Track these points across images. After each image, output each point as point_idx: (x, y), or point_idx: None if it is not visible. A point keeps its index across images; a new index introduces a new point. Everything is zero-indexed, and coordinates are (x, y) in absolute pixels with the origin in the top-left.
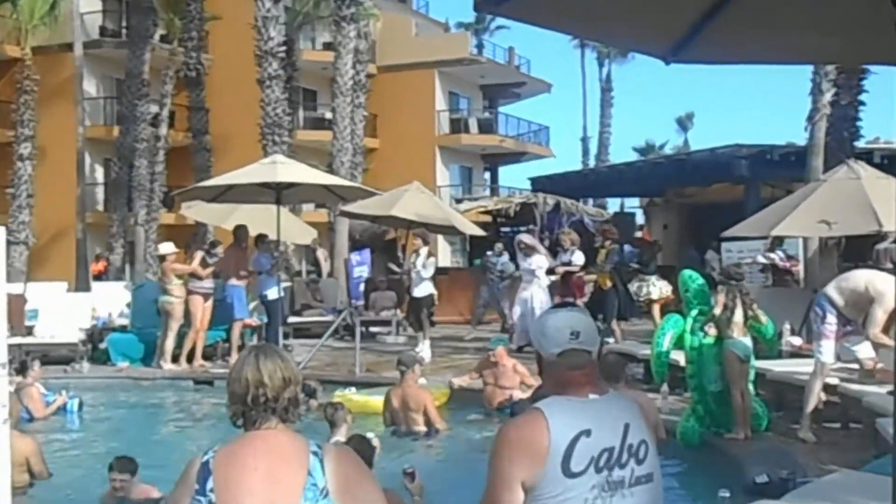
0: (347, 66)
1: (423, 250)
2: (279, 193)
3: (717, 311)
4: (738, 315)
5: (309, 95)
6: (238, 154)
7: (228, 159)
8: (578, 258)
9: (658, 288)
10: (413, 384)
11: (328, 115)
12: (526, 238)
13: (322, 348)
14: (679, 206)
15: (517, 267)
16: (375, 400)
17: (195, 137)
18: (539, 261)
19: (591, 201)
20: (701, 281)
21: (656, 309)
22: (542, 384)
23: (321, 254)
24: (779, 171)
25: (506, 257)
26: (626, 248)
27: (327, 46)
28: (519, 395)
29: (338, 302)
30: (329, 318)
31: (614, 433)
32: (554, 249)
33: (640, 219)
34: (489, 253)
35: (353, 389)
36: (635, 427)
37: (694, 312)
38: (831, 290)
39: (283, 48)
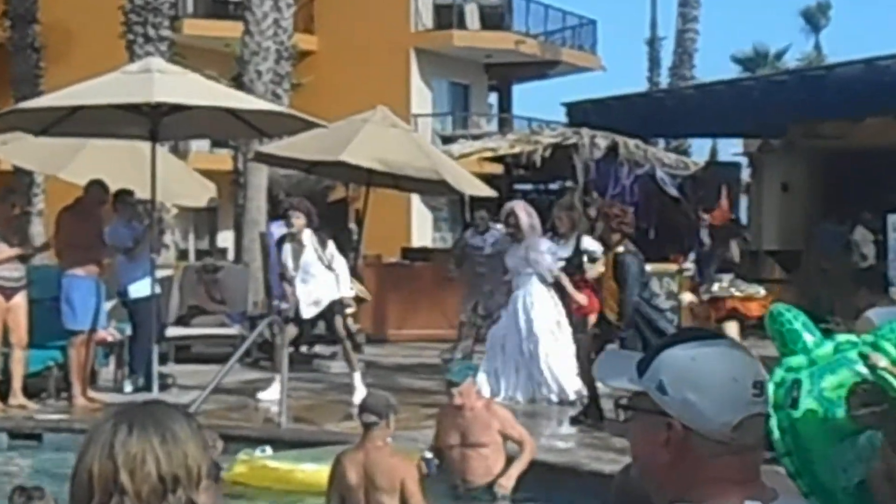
0: None
1: (307, 234)
2: (156, 123)
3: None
4: None
5: None
6: (85, 57)
7: (69, 65)
8: (591, 245)
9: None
10: (384, 446)
11: None
12: (520, 209)
13: (224, 381)
14: (810, 152)
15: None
16: (310, 469)
17: (14, 29)
18: (543, 249)
19: (661, 143)
20: (800, 320)
21: (733, 328)
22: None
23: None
24: None
25: (497, 233)
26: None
27: None
28: (496, 462)
29: (249, 304)
30: (235, 329)
31: None
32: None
33: (745, 173)
34: (468, 233)
35: (268, 450)
36: None
37: (779, 373)
38: None
39: None
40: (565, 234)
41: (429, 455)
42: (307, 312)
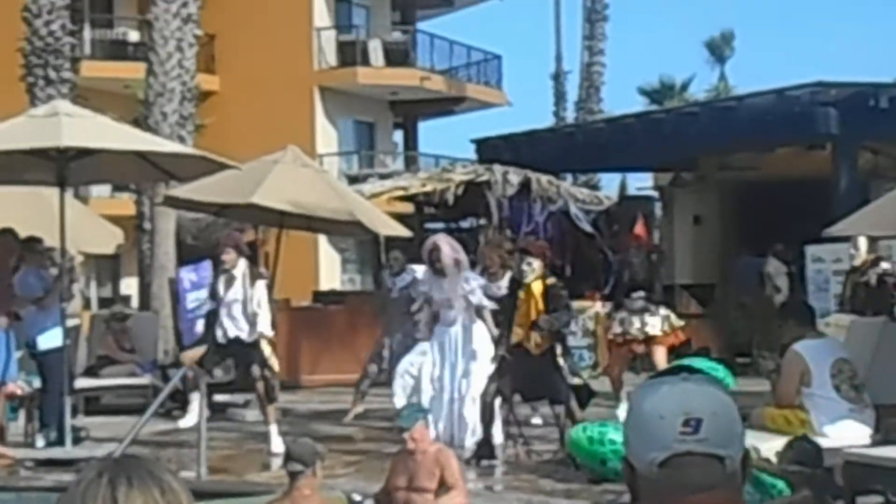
0: None
1: (241, 265)
2: (63, 168)
3: None
4: None
5: (101, 3)
6: None
7: None
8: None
9: (660, 318)
10: (311, 495)
11: (133, 37)
12: (443, 243)
13: (140, 432)
14: (722, 184)
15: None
16: None
17: None
18: (476, 285)
19: (570, 178)
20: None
21: (660, 353)
22: None
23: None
24: (888, 125)
25: (409, 276)
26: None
27: None
28: None
29: (159, 352)
30: (146, 379)
31: None
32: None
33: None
34: (385, 272)
35: None
36: None
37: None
38: None
39: None
40: (496, 272)
41: (357, 498)
42: (235, 333)
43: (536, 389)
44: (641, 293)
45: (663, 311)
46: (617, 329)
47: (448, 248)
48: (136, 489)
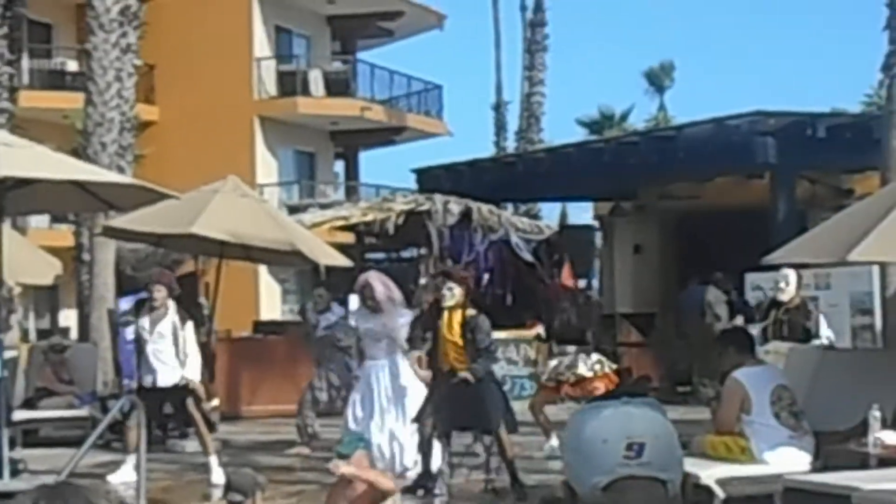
0: None
1: (171, 305)
2: (0, 198)
3: None
4: None
5: (39, 33)
6: None
7: None
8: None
9: (590, 363)
10: None
11: (72, 67)
12: (375, 280)
13: (79, 464)
14: (661, 213)
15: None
16: None
17: None
18: (401, 323)
19: (510, 207)
20: None
21: (599, 392)
22: None
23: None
24: (825, 154)
25: (334, 316)
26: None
27: None
28: None
29: (98, 383)
30: (84, 410)
31: None
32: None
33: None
34: (308, 312)
35: None
36: None
37: None
38: None
39: None
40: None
41: None
42: (164, 380)
43: (467, 419)
44: (573, 347)
45: (595, 356)
46: (551, 373)
47: (380, 285)
48: None
